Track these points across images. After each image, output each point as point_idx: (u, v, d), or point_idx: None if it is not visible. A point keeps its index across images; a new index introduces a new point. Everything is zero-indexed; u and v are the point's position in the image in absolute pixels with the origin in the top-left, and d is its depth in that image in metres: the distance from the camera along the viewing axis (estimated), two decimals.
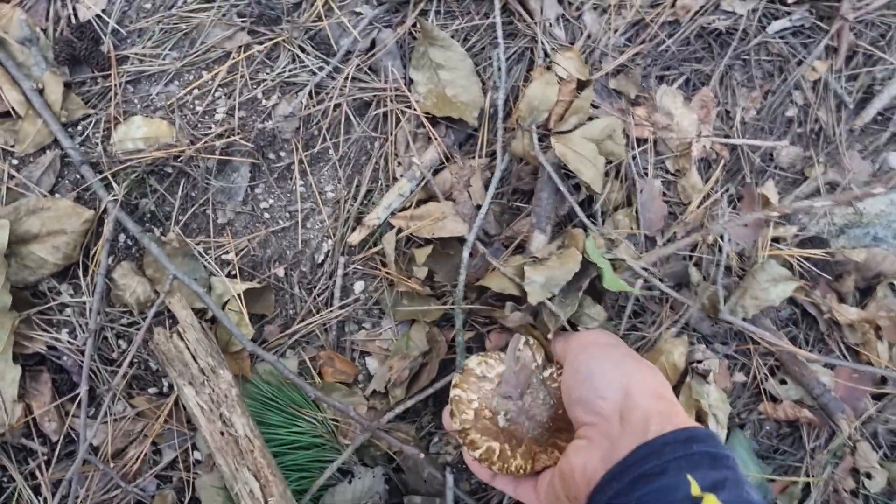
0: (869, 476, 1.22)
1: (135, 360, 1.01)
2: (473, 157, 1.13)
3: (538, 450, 0.82)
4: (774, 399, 1.20)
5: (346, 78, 1.10)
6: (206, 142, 1.04)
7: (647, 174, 1.18)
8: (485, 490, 1.12)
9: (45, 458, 0.97)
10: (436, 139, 1.11)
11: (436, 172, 1.13)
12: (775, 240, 1.22)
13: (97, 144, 1.02)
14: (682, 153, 1.19)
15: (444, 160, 1.12)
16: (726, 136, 1.22)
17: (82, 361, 0.96)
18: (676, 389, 1.10)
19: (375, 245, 1.12)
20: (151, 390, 1.02)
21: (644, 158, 1.18)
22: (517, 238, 1.13)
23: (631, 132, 1.17)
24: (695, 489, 0.48)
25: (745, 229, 1.20)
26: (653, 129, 1.18)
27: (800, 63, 1.23)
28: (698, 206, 1.18)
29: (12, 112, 1.00)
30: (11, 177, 0.99)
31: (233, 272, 1.06)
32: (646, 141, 1.18)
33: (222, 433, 0.98)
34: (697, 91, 1.21)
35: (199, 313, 1.04)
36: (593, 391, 0.62)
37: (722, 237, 1.18)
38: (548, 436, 0.83)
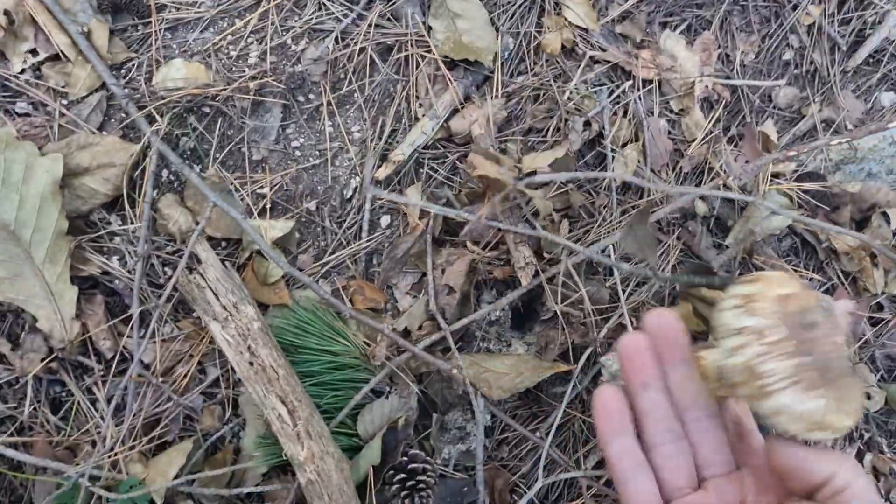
0: (868, 396, 1.29)
1: (180, 289, 1.08)
2: (488, 98, 1.20)
3: None
4: None
5: (370, 24, 1.18)
6: (240, 83, 1.12)
7: (652, 113, 1.25)
8: (505, 404, 1.19)
9: (101, 374, 1.04)
10: (452, 82, 1.19)
11: (455, 112, 1.20)
12: (775, 175, 1.29)
13: (140, 85, 1.10)
14: (685, 93, 1.26)
15: (462, 101, 1.19)
16: (727, 78, 1.29)
17: (133, 285, 1.03)
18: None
19: (400, 183, 1.19)
20: (195, 314, 1.09)
21: (649, 99, 1.26)
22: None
23: (637, 73, 1.25)
24: None
25: (747, 165, 1.28)
26: (657, 70, 1.26)
27: (795, 8, 1.30)
28: (701, 142, 1.25)
29: (61, 55, 1.07)
30: (62, 115, 1.06)
31: (267, 206, 1.13)
32: (651, 82, 1.26)
33: (251, 363, 1.05)
34: (699, 35, 1.29)
35: (233, 246, 1.11)
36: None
37: (725, 172, 1.25)
38: None
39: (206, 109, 1.12)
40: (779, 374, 0.45)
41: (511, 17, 1.22)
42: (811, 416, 0.44)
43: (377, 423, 1.11)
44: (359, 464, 1.08)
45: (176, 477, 1.02)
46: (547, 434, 1.14)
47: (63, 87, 1.07)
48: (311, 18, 1.17)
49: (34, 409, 1.02)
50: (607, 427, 0.50)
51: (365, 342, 1.14)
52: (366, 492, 1.08)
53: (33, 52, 1.07)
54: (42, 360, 1.01)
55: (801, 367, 0.45)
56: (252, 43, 1.15)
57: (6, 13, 1.04)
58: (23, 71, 1.07)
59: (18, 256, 0.99)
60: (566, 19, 1.22)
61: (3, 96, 1.06)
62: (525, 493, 1.14)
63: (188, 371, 1.07)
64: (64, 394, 1.05)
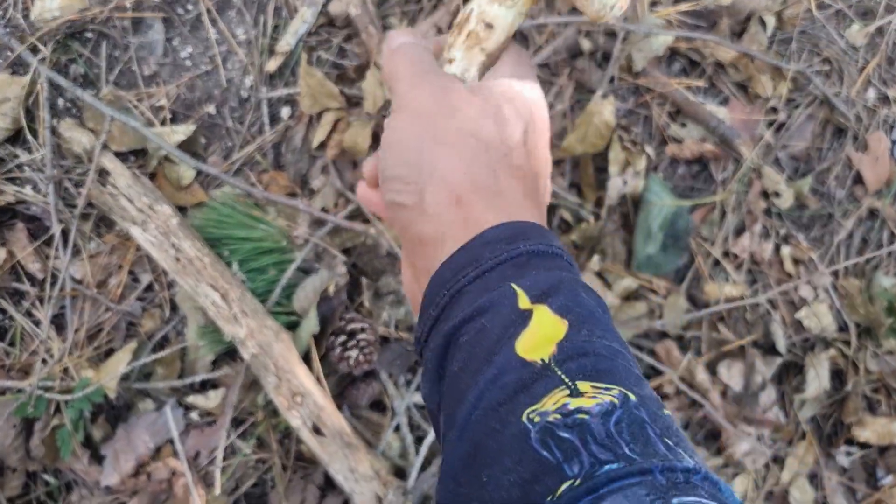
0: (777, 195, 1.36)
1: (95, 203, 1.13)
2: None
3: None
4: (679, 142, 1.33)
5: None
6: (116, 3, 1.15)
7: None
8: None
9: (38, 296, 1.09)
10: None
11: None
12: (653, 4, 1.34)
13: (19, 21, 1.13)
14: None
15: None
16: None
17: (49, 208, 1.08)
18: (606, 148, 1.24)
19: (293, 74, 1.23)
20: (117, 228, 1.14)
21: None
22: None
23: None
24: (522, 301, 0.37)
25: None
26: None
27: None
28: None
29: None
30: None
31: (167, 116, 1.18)
32: None
33: (177, 259, 1.10)
34: None
35: (141, 158, 1.16)
36: (392, 169, 0.44)
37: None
38: None
39: (89, 34, 1.16)
40: None
41: None
42: None
43: (311, 297, 1.17)
44: (300, 336, 1.14)
45: (128, 377, 1.08)
46: None
47: None
48: None
49: None
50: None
51: (286, 225, 1.19)
52: (312, 362, 1.14)
53: None
54: None
55: None
56: None
57: None
58: None
59: None
60: None
61: None
62: None
63: (121, 281, 1.12)
64: (7, 321, 1.10)
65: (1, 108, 1.09)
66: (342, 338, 1.13)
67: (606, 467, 0.29)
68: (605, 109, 1.21)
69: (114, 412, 1.12)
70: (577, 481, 0.29)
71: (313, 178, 1.23)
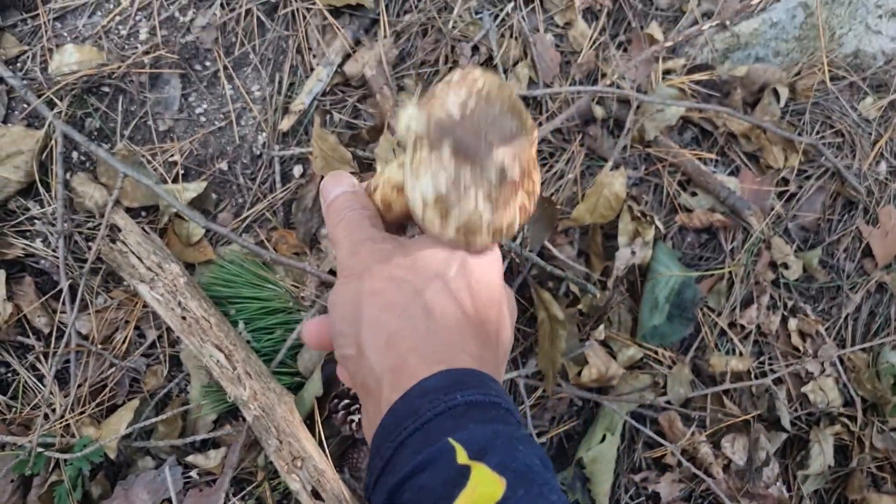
0: (786, 266, 1.35)
1: (104, 259, 1.13)
2: (379, 39, 1.25)
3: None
4: (689, 211, 1.33)
5: None
6: (134, 59, 1.16)
7: (538, 30, 1.31)
8: None
9: (42, 350, 1.09)
10: (340, 29, 1.24)
11: (347, 57, 1.25)
12: (666, 72, 1.35)
13: (37, 74, 1.14)
14: (566, 6, 1.32)
15: (353, 45, 1.24)
16: None
17: (58, 262, 1.08)
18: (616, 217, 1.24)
19: (307, 133, 1.24)
20: (125, 283, 1.14)
21: (533, 17, 1.31)
22: None
23: None
24: (461, 456, 0.38)
25: (639, 68, 1.33)
26: None
27: None
28: (590, 49, 1.31)
29: None
30: None
31: (180, 172, 1.18)
32: (532, 0, 1.31)
33: (183, 318, 1.10)
34: None
35: (153, 214, 1.16)
36: (336, 326, 0.47)
37: (622, 77, 1.31)
38: None
39: (106, 89, 1.17)
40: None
41: None
42: None
43: (315, 359, 1.16)
44: (303, 398, 1.13)
45: (128, 435, 1.07)
46: None
47: None
48: None
49: None
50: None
51: (293, 286, 1.19)
52: (314, 424, 1.14)
53: None
54: None
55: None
56: (140, 20, 1.20)
57: None
58: None
59: None
60: None
61: None
62: None
63: (126, 336, 1.12)
64: (10, 374, 1.09)
65: (14, 160, 1.10)
66: (345, 401, 1.13)
67: None
68: (615, 181, 1.21)
69: (113, 469, 1.12)
70: None
71: (323, 238, 1.23)
